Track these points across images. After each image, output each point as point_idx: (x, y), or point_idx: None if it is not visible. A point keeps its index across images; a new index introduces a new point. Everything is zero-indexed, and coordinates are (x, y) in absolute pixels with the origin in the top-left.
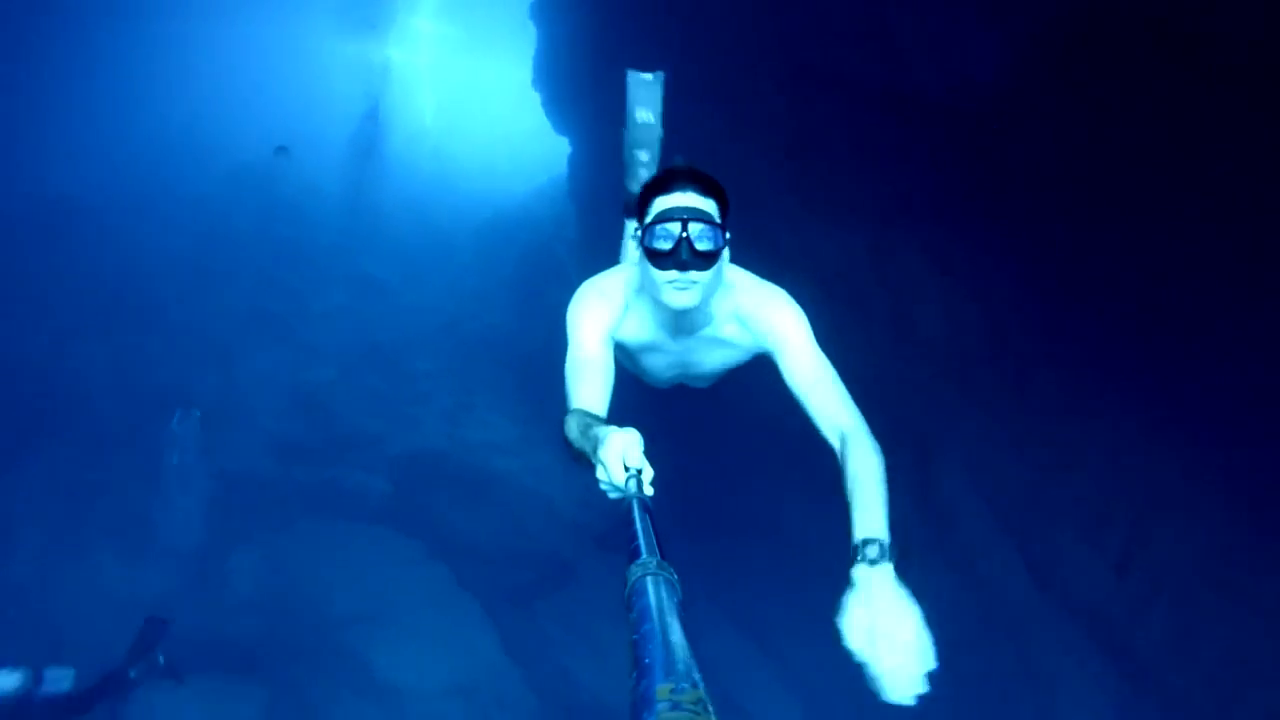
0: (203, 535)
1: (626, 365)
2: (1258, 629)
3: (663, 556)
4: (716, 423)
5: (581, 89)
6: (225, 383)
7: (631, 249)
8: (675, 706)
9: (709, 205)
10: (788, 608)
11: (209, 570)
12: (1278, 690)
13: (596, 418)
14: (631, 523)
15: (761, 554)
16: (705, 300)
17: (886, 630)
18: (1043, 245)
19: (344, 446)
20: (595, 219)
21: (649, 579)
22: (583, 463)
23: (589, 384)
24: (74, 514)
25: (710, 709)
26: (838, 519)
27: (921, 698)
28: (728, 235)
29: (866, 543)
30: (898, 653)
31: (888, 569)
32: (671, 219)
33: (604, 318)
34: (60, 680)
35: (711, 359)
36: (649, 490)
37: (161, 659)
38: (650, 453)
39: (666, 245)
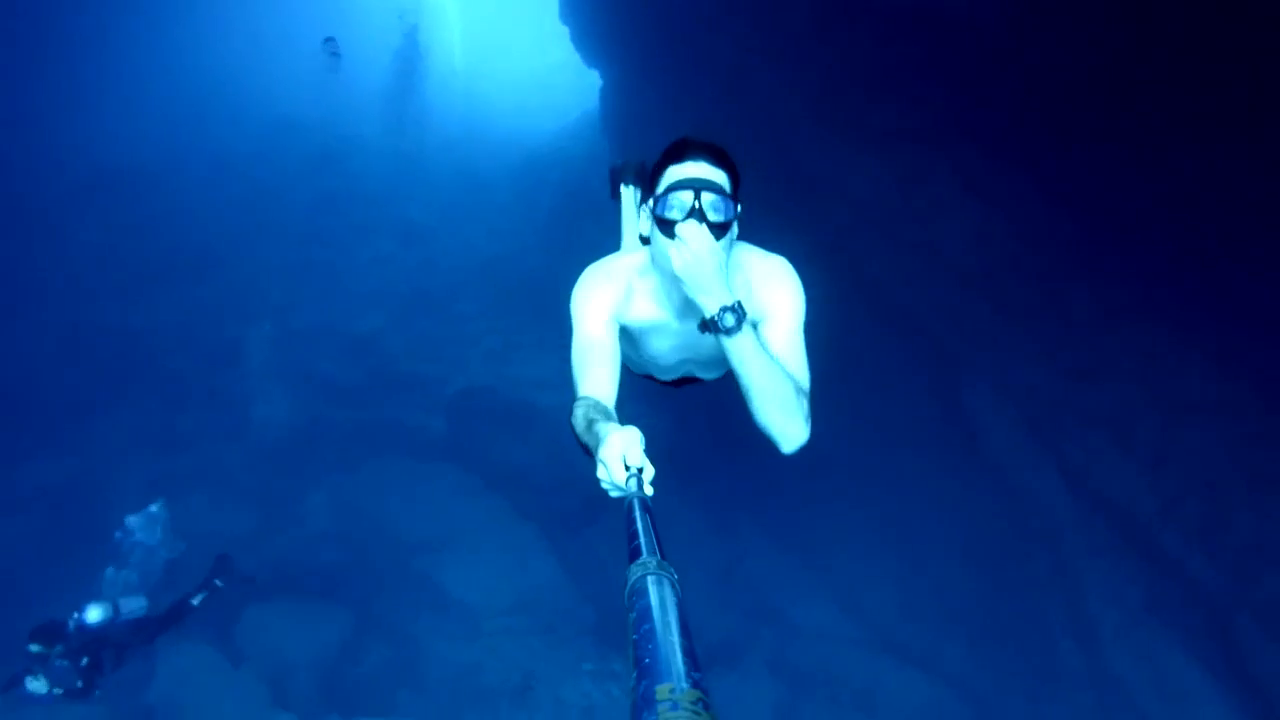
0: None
1: (632, 356)
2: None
3: (663, 556)
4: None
5: (611, 19)
6: (283, 332)
7: (630, 228)
8: (675, 706)
9: (720, 176)
10: (822, 524)
11: (287, 511)
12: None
13: (602, 411)
14: (632, 522)
15: (795, 478)
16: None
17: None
18: (1071, 161)
19: (400, 389)
20: (629, 152)
21: (649, 579)
22: (589, 455)
23: (595, 370)
24: (165, 462)
25: (710, 709)
26: (863, 443)
27: (955, 599)
28: (739, 207)
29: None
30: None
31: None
32: (684, 188)
33: (608, 300)
34: (135, 608)
35: (716, 345)
36: (649, 490)
37: (220, 583)
38: (667, 410)
39: (679, 215)
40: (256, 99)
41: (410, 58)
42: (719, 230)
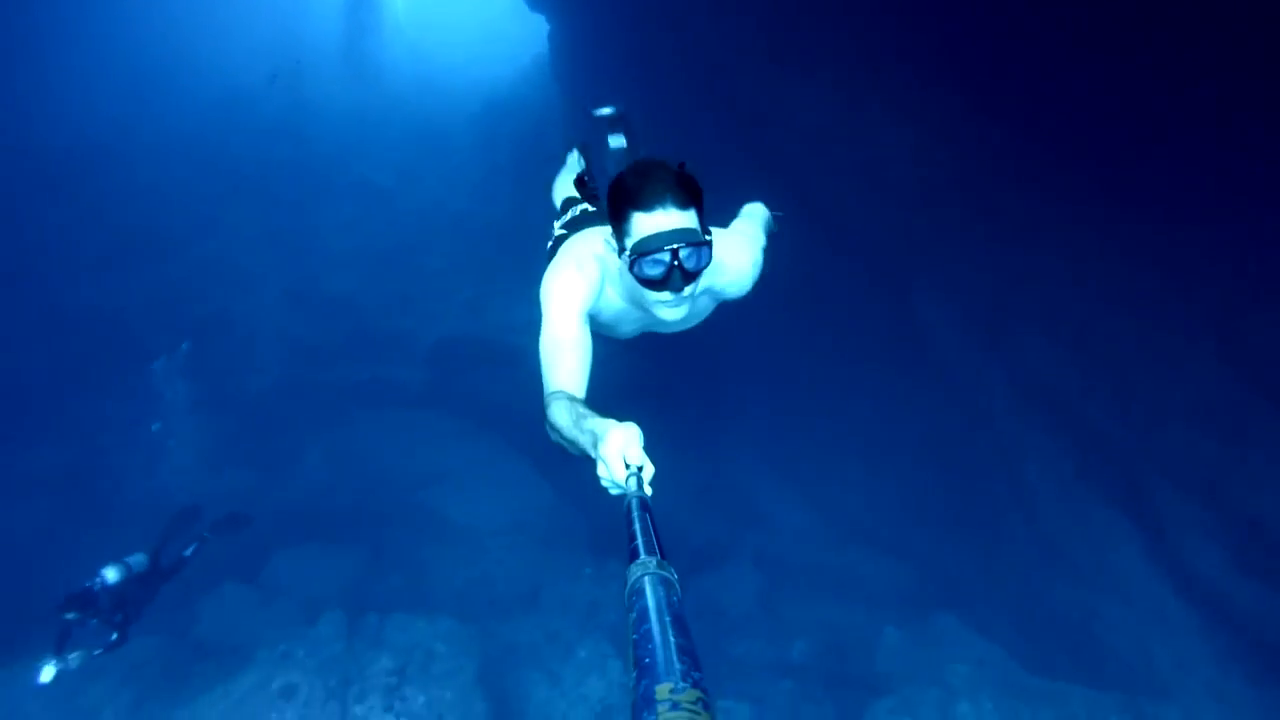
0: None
1: (594, 328)
2: (1176, 377)
3: (662, 556)
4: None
5: None
6: (256, 302)
7: (563, 186)
8: (675, 706)
9: (691, 218)
10: (793, 435)
11: (286, 466)
12: (1186, 426)
13: (589, 408)
14: (631, 522)
15: (765, 395)
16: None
17: None
18: (999, 80)
19: (381, 345)
20: (577, 94)
21: (649, 579)
22: (569, 450)
23: (567, 364)
24: (164, 429)
25: (710, 709)
26: (824, 357)
27: (915, 491)
28: (709, 235)
29: None
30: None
31: None
32: (660, 249)
33: (580, 294)
34: (140, 563)
35: (675, 324)
36: (648, 490)
37: (207, 534)
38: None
39: (658, 273)
40: (204, 71)
41: (359, 9)
42: (697, 275)
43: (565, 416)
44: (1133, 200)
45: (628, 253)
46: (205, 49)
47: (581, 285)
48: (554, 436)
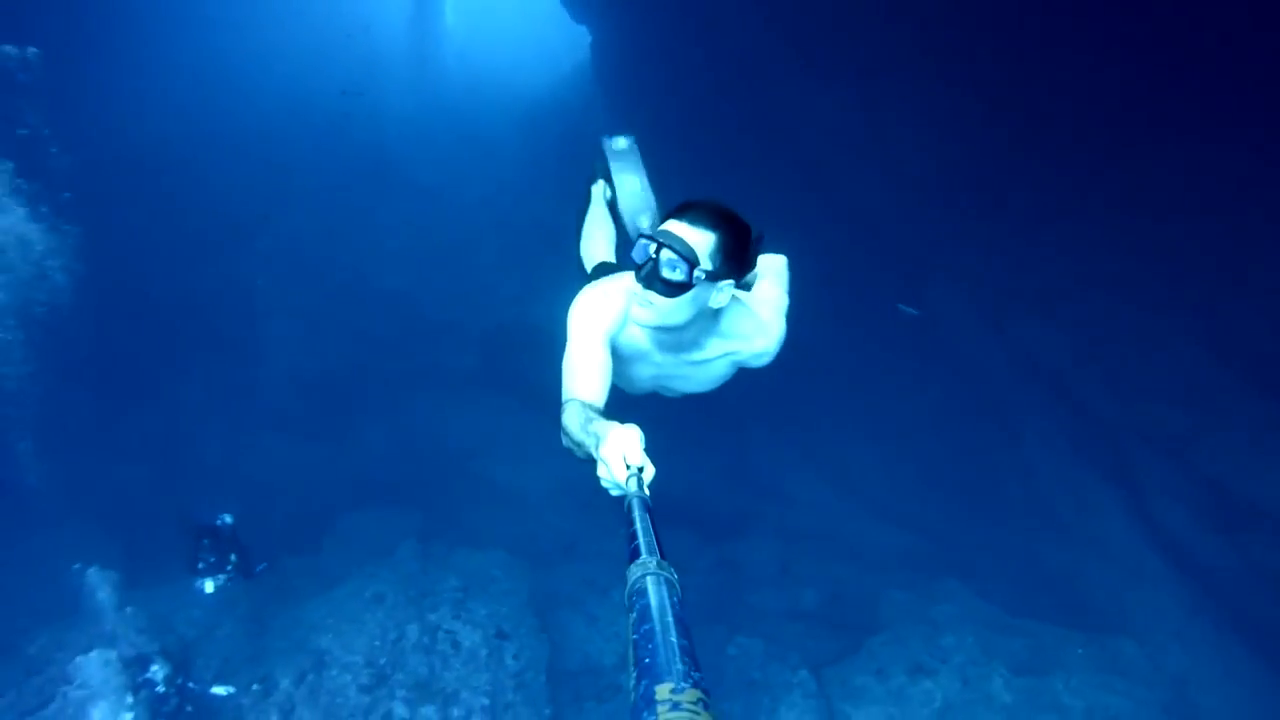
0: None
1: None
2: (1159, 358)
3: (662, 556)
4: None
5: None
6: (320, 293)
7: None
8: (675, 706)
9: (700, 239)
10: (817, 418)
11: (350, 441)
12: (1166, 401)
13: (598, 411)
14: (632, 522)
15: (792, 381)
16: (670, 327)
17: None
18: (1015, 82)
19: (434, 334)
20: (621, 100)
21: (649, 579)
22: (577, 453)
23: (588, 376)
24: (239, 407)
25: (710, 709)
26: (846, 343)
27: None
28: (702, 274)
29: None
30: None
31: None
32: (653, 239)
33: (606, 320)
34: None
35: (691, 381)
36: (648, 491)
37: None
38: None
39: (639, 259)
40: (274, 73)
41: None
42: (669, 288)
43: (575, 419)
44: (1125, 196)
45: (639, 235)
46: (277, 50)
47: (608, 311)
48: (565, 441)
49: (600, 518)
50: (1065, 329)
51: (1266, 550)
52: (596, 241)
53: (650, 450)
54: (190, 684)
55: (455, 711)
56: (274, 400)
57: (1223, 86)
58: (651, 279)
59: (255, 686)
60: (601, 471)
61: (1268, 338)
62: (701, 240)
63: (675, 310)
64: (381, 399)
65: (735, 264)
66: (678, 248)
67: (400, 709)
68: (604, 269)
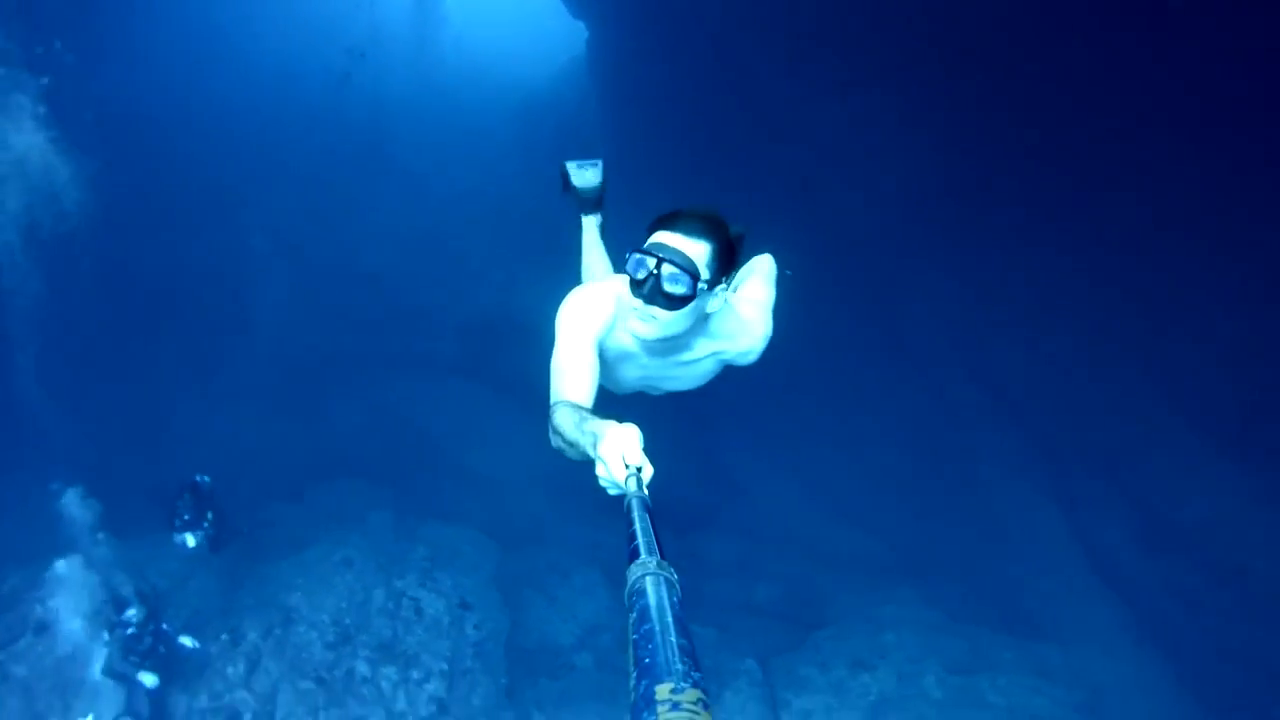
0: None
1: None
2: (1105, 385)
3: (662, 556)
4: None
5: None
6: (300, 270)
7: (592, 256)
8: (675, 706)
9: (697, 250)
10: (789, 423)
11: (325, 416)
12: (1106, 425)
13: (591, 411)
14: (631, 522)
15: (767, 386)
16: (669, 337)
17: None
18: (991, 110)
19: (413, 318)
20: (615, 96)
21: (649, 579)
22: (569, 454)
23: (576, 379)
24: (214, 381)
25: (710, 709)
26: (822, 355)
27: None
28: (703, 283)
29: None
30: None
31: None
32: (651, 254)
33: (594, 323)
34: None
35: (678, 381)
36: (647, 491)
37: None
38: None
39: (640, 275)
40: (269, 51)
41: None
42: (672, 302)
43: (568, 420)
44: (1091, 232)
45: (630, 249)
46: (273, 29)
47: (596, 313)
48: (555, 441)
49: (570, 506)
50: (1019, 352)
51: (1185, 572)
52: (596, 273)
53: (648, 450)
54: (164, 626)
55: (414, 673)
56: (254, 372)
57: (1183, 134)
58: (654, 294)
59: (224, 636)
60: (600, 471)
61: (1202, 373)
62: (698, 251)
63: (677, 322)
64: (361, 379)
65: (728, 267)
66: (679, 262)
67: (362, 667)
68: None
